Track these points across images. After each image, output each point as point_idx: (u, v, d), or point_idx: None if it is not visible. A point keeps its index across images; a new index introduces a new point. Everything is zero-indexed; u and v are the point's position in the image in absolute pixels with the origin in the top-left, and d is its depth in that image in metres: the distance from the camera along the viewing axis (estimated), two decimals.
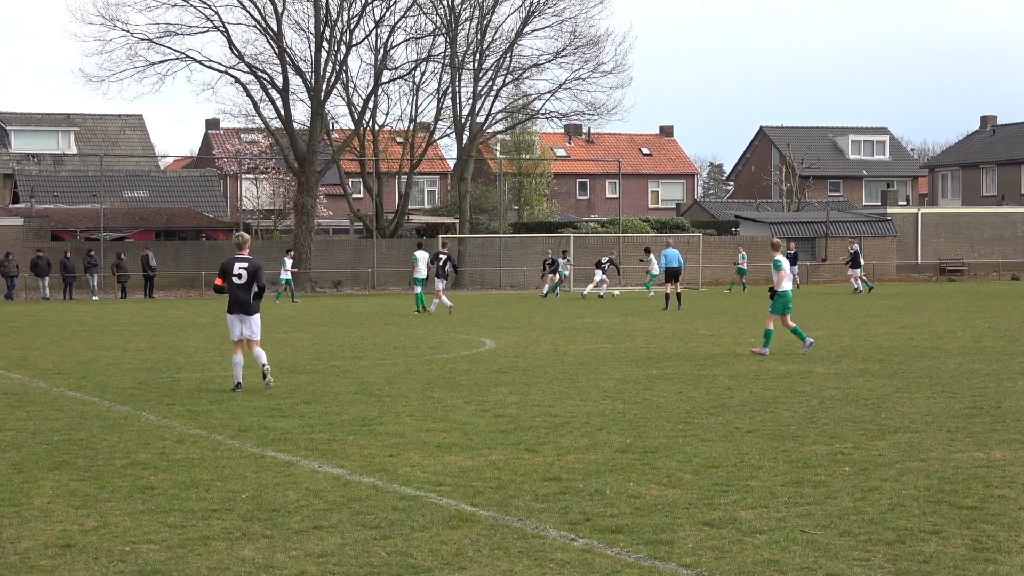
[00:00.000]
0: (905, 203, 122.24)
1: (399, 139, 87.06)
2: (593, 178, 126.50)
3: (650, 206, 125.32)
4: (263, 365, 23.17)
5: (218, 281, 23.71)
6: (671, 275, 51.18)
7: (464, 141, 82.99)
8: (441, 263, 49.86)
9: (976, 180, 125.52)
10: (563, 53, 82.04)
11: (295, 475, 14.72)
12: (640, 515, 12.40)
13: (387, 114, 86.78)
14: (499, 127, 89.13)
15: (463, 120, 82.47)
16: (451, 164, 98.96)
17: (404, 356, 30.65)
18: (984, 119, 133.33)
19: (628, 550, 11.04)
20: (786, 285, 29.68)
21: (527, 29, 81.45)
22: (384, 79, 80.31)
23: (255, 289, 23.17)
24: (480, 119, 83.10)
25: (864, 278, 65.46)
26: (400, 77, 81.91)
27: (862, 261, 67.65)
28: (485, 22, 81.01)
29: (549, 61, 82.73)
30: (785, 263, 29.94)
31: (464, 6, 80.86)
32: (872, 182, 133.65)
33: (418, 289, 50.18)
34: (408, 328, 40.93)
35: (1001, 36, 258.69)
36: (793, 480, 14.08)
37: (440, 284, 49.38)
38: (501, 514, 12.52)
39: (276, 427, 18.65)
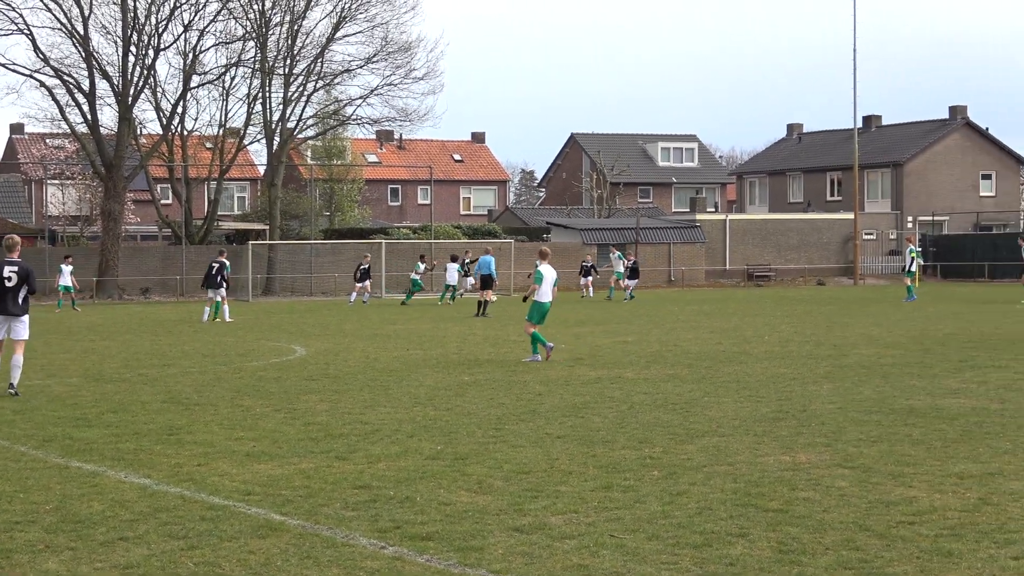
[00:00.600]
0: (714, 209, 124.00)
1: (208, 144, 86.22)
2: (405, 184, 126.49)
3: (462, 212, 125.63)
4: (17, 370, 23.26)
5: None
6: (484, 282, 51.56)
7: (274, 147, 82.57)
8: (213, 272, 48.78)
9: (783, 187, 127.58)
10: (375, 59, 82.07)
11: (101, 485, 14.50)
12: (450, 522, 12.41)
13: (196, 119, 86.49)
14: (310, 133, 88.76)
15: (273, 125, 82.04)
16: (261, 170, 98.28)
17: (213, 364, 30.38)
18: (791, 127, 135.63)
19: (438, 557, 11.04)
20: (544, 297, 29.70)
21: (338, 35, 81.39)
22: (193, 84, 79.65)
23: (23, 292, 23.15)
24: (291, 124, 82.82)
25: (623, 285, 65.90)
26: (209, 82, 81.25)
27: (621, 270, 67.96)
28: (296, 27, 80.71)
29: (360, 67, 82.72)
30: (546, 276, 29.90)
31: (274, 11, 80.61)
32: (681, 189, 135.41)
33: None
34: (217, 336, 40.57)
35: (808, 45, 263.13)
36: (602, 485, 14.17)
37: (214, 294, 48.40)
38: (311, 523, 12.46)
39: (81, 437, 18.36)
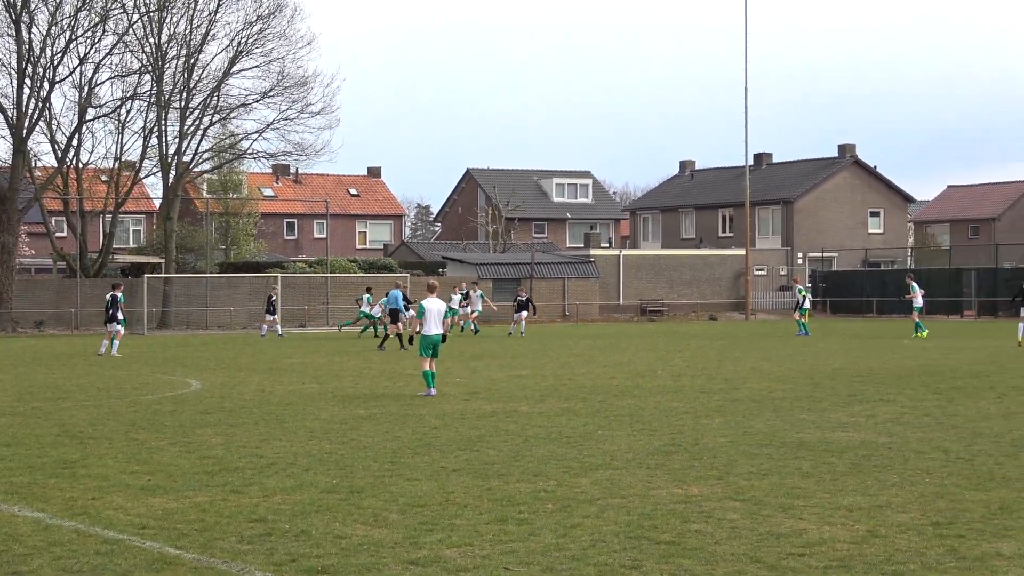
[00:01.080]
0: (608, 245, 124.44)
1: (104, 177, 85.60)
2: (301, 218, 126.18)
3: (358, 246, 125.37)
4: None
5: None
6: (393, 316, 51.57)
7: (170, 180, 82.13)
8: (107, 305, 48.90)
9: (676, 223, 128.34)
10: (271, 93, 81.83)
11: None
12: (346, 555, 12.38)
13: (92, 152, 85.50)
14: (206, 166, 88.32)
15: (169, 159, 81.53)
16: (157, 203, 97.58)
17: (108, 397, 30.15)
18: (683, 164, 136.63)
19: None
20: (431, 330, 29.46)
21: (235, 69, 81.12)
22: (89, 116, 79.00)
23: None
24: (187, 158, 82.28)
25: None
26: (105, 115, 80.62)
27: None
28: (192, 61, 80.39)
29: (257, 101, 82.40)
30: (430, 309, 29.46)
31: (171, 44, 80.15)
32: (576, 224, 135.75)
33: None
34: (111, 369, 40.26)
35: (700, 84, 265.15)
36: (497, 518, 14.19)
37: (111, 327, 48.38)
38: (206, 556, 12.40)
39: None
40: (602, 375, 35.57)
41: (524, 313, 63.72)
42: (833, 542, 12.76)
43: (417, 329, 29.95)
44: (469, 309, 66.73)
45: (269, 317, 64.67)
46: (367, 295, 60.89)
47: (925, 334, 55.75)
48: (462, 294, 66.31)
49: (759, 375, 34.75)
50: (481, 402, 27.88)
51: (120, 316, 48.62)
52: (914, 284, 58.07)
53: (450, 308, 52.14)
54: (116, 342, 48.14)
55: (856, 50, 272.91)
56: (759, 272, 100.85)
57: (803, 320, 60.38)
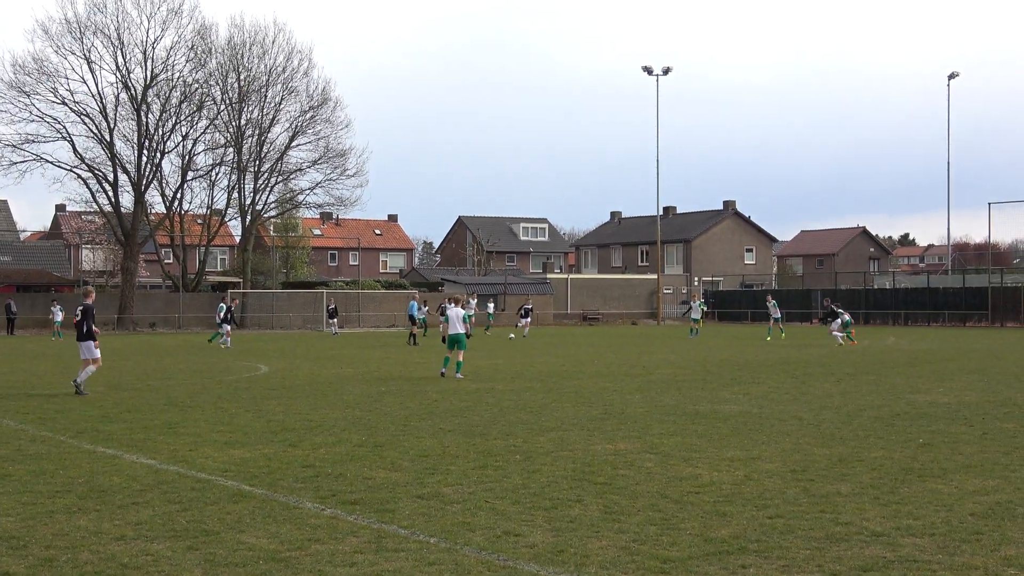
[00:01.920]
0: (559, 271, 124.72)
1: (199, 220, 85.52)
2: (340, 251, 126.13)
3: (380, 271, 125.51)
4: (83, 374, 24.64)
5: (74, 320, 25.00)
6: (411, 320, 51.70)
7: (247, 222, 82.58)
8: (224, 312, 49.44)
9: (608, 255, 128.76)
10: (319, 162, 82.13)
11: (119, 465, 14.25)
12: (371, 491, 12.30)
13: (190, 202, 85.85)
14: (272, 213, 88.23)
15: (246, 207, 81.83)
16: (237, 239, 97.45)
17: (201, 378, 29.97)
18: (613, 213, 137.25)
19: (363, 516, 10.94)
20: (452, 330, 29.48)
21: (293, 144, 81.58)
22: (188, 177, 78.99)
23: (86, 325, 24.64)
24: (258, 207, 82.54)
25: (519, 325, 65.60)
26: (200, 176, 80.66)
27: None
28: (263, 138, 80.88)
29: (309, 167, 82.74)
30: (451, 315, 29.57)
31: (247, 126, 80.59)
32: (536, 256, 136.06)
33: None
34: (206, 357, 40.09)
35: (626, 155, 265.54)
36: (480, 465, 14.12)
37: (227, 327, 48.80)
38: (271, 492, 12.30)
39: (105, 429, 18.04)
40: (555, 363, 35.52)
41: (528, 319, 62.91)
42: (720, 484, 12.72)
43: (448, 331, 29.94)
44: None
45: (330, 320, 64.48)
46: (422, 303, 59.73)
47: (784, 336, 55.69)
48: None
49: (667, 364, 34.73)
50: (468, 382, 27.79)
51: (229, 318, 49.34)
52: (773, 303, 57.23)
53: (467, 314, 52.07)
54: (228, 338, 48.26)
55: (737, 129, 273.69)
56: (667, 291, 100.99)
57: (696, 327, 60.03)
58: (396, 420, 19.34)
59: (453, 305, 30.15)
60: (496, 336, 60.45)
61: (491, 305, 66.88)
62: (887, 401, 22.35)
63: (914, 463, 14.14)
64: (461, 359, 29.59)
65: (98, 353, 24.97)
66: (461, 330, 29.55)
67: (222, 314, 49.98)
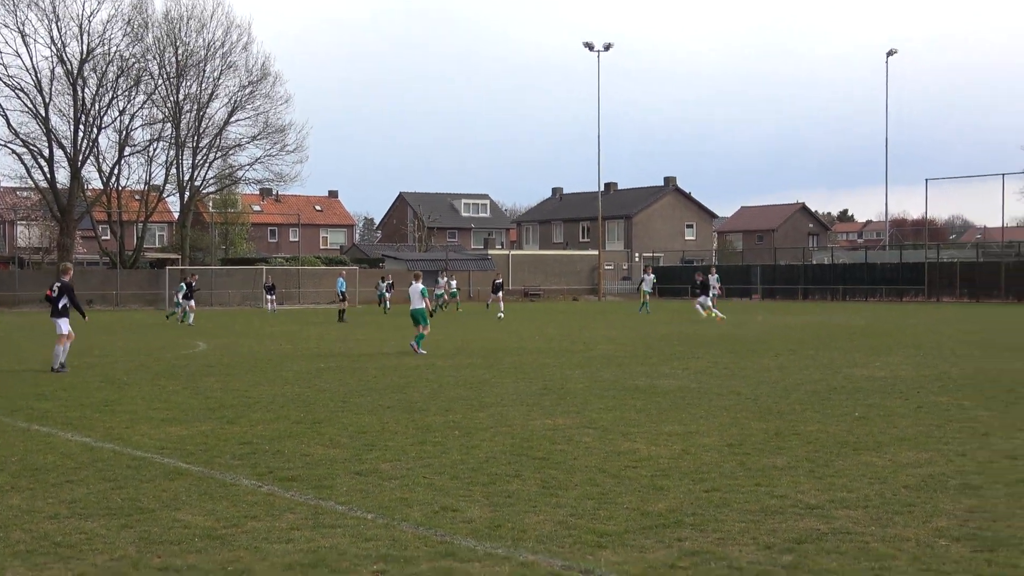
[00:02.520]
0: (501, 247, 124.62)
1: (137, 196, 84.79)
2: (280, 227, 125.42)
3: (321, 247, 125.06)
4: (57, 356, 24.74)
5: (47, 292, 25.63)
6: (341, 296, 51.44)
7: (186, 198, 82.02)
8: (187, 290, 48.86)
9: (549, 232, 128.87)
10: (258, 137, 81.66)
11: (53, 443, 14.10)
12: (309, 468, 12.26)
13: (128, 178, 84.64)
14: (211, 189, 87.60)
15: (184, 184, 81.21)
16: (176, 215, 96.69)
17: (138, 355, 29.75)
18: (554, 189, 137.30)
19: (300, 493, 10.90)
20: (413, 305, 29.74)
21: (232, 119, 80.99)
22: (126, 153, 78.35)
23: (62, 301, 25.12)
24: (197, 183, 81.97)
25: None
26: (138, 151, 79.97)
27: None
28: (201, 113, 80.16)
29: (248, 142, 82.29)
30: (412, 291, 29.99)
31: (185, 101, 79.97)
32: (478, 232, 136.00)
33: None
34: (142, 336, 39.75)
35: (567, 129, 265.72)
36: (419, 441, 14.11)
37: (190, 303, 48.33)
38: (207, 469, 12.23)
39: (40, 407, 17.85)
40: (496, 339, 35.53)
41: (500, 293, 61.44)
42: (657, 458, 12.79)
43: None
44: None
45: (268, 297, 63.79)
46: (442, 278, 59.12)
47: (713, 315, 54.47)
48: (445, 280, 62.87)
49: (608, 340, 34.84)
50: (408, 358, 27.76)
51: (187, 296, 49.16)
52: (714, 278, 56.58)
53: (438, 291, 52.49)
54: (191, 314, 47.82)
55: (679, 106, 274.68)
56: (608, 267, 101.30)
57: (645, 301, 58.43)
58: (335, 397, 19.28)
59: (415, 281, 30.37)
60: (473, 313, 60.43)
61: (453, 283, 65.99)
62: (824, 375, 22.55)
63: (849, 436, 14.29)
64: (422, 332, 29.67)
65: (68, 329, 25.18)
66: (420, 305, 29.69)
67: (181, 295, 49.54)
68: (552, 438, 14.30)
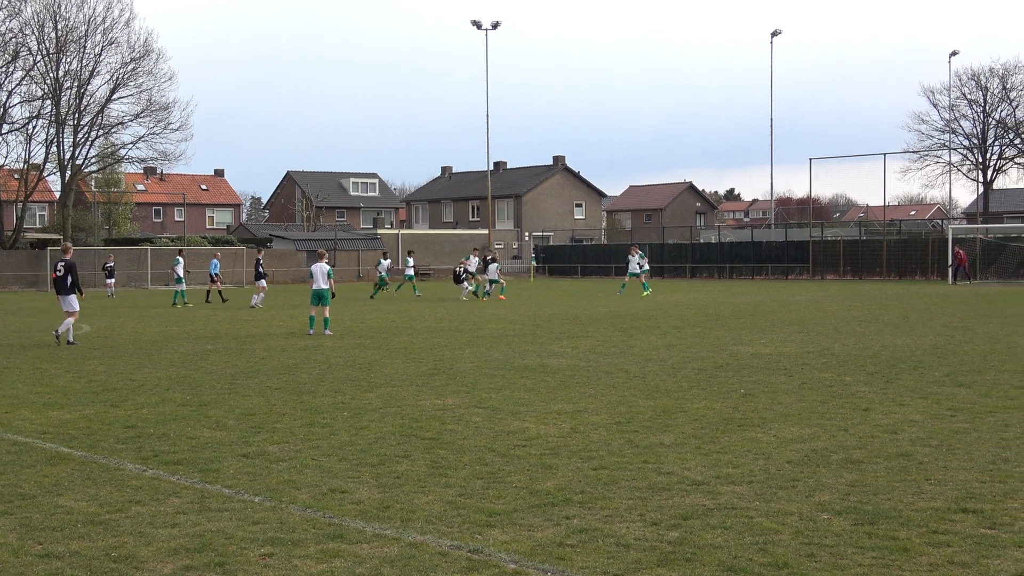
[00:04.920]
0: (390, 226, 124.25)
1: (16, 175, 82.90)
2: (165, 206, 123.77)
3: (207, 227, 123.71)
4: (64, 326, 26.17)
5: (53, 275, 27.26)
6: (211, 278, 50.31)
7: (67, 178, 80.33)
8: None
9: (439, 211, 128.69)
10: (142, 115, 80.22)
11: None
12: (195, 451, 12.14)
13: (7, 157, 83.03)
14: (93, 168, 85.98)
15: (66, 162, 79.46)
16: (57, 195, 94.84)
17: (19, 338, 29.14)
18: (444, 168, 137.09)
19: (186, 477, 10.79)
20: (316, 285, 29.30)
21: (114, 97, 79.39)
22: (4, 131, 76.53)
23: (69, 279, 26.48)
24: (79, 162, 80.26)
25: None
26: (16, 129, 78.13)
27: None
28: (82, 90, 78.34)
29: (131, 120, 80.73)
30: (316, 271, 29.35)
31: (66, 77, 78.12)
32: (367, 211, 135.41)
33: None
34: (22, 318, 38.93)
35: (457, 107, 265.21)
36: (307, 423, 14.04)
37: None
38: (91, 453, 12.05)
39: None
40: (385, 320, 35.44)
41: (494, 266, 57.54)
42: (547, 437, 12.87)
43: (312, 285, 29.57)
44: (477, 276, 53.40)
45: (107, 280, 61.24)
46: (386, 261, 56.89)
47: (646, 293, 52.49)
48: (480, 259, 54.25)
49: (497, 319, 34.92)
50: (297, 339, 27.57)
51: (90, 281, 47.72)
52: (640, 253, 54.81)
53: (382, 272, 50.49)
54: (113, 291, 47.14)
55: (570, 85, 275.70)
56: (498, 246, 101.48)
57: (646, 281, 54.01)
58: (222, 378, 19.10)
59: (320, 260, 29.96)
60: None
61: (474, 259, 58.91)
62: (711, 353, 22.87)
63: (735, 413, 14.52)
64: (327, 315, 29.38)
65: (78, 306, 26.62)
66: (325, 286, 29.26)
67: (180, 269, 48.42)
68: (442, 418, 14.32)
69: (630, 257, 54.42)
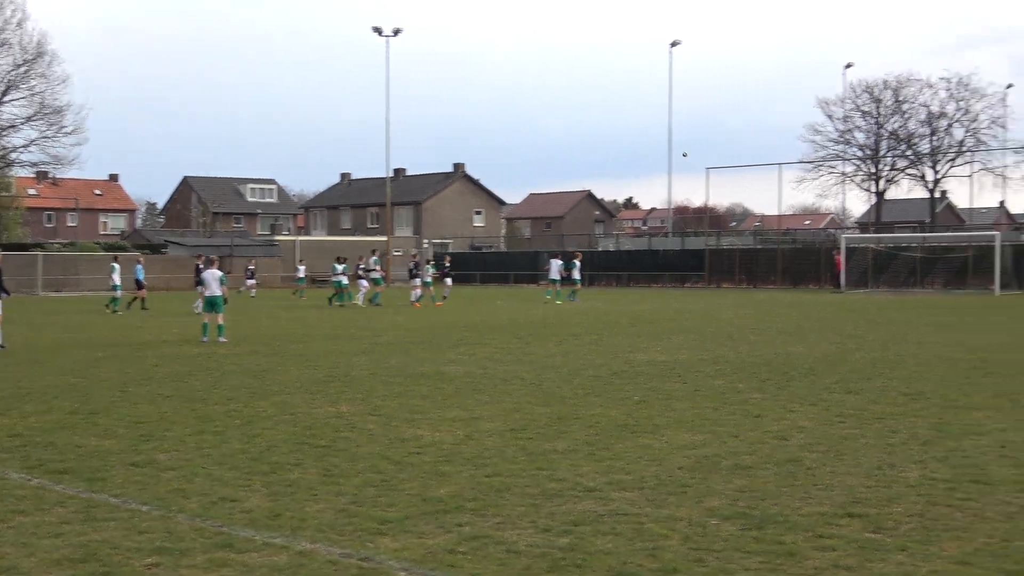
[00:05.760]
0: (288, 233, 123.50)
1: None
2: (58, 211, 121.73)
3: (101, 232, 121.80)
4: None
5: None
6: (139, 285, 49.21)
7: None
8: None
9: (337, 217, 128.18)
10: (34, 118, 78.97)
11: None
12: (82, 460, 11.93)
13: None
14: None
15: None
16: None
17: None
18: (343, 175, 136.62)
19: (72, 486, 10.59)
20: (210, 292, 28.91)
21: (5, 99, 78.14)
22: None
23: None
24: None
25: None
26: None
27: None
28: None
29: (23, 123, 79.44)
30: (209, 277, 28.90)
31: None
32: (264, 217, 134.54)
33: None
34: None
35: (356, 115, 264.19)
36: (198, 431, 13.87)
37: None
38: None
39: None
40: (281, 327, 35.17)
41: (449, 280, 59.25)
42: (441, 444, 12.85)
43: (204, 292, 29.12)
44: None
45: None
46: (341, 266, 54.66)
47: (573, 298, 54.08)
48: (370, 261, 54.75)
49: (395, 327, 34.83)
50: (190, 347, 27.24)
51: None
52: (575, 262, 55.18)
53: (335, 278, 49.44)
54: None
55: (471, 94, 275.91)
56: (397, 253, 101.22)
57: (575, 289, 55.40)
58: (113, 386, 18.80)
59: (212, 267, 29.45)
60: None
61: (372, 260, 57.57)
62: (607, 360, 23.01)
63: (629, 420, 14.62)
64: (221, 321, 28.97)
65: None
66: (219, 292, 28.85)
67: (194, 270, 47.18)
68: (335, 426, 14.24)
69: (575, 263, 54.99)
